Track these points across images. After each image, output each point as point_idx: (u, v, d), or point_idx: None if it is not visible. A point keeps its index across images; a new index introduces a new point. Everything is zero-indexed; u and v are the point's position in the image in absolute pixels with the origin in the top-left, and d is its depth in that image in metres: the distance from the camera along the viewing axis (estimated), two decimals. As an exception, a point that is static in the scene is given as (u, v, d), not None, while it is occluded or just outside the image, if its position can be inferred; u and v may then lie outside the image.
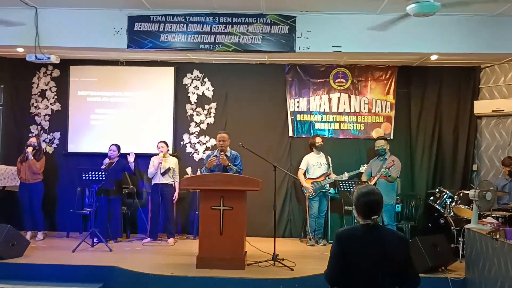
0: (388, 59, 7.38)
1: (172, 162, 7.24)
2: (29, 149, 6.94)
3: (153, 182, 7.19)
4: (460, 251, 5.84)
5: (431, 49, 6.37)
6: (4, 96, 7.82)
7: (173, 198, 7.20)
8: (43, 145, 7.72)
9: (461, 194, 6.44)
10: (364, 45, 6.24)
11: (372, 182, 6.51)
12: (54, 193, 7.77)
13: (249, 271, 5.38)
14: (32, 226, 7.09)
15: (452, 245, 5.93)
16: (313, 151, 7.28)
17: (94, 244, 6.45)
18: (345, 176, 6.99)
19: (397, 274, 2.69)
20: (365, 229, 2.73)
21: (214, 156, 6.13)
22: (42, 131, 7.92)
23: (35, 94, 7.96)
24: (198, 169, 7.57)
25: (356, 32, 6.20)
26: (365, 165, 7.08)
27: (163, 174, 7.07)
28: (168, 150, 7.32)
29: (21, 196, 7.10)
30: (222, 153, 6.05)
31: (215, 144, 7.63)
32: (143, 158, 7.65)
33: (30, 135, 7.82)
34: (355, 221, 2.91)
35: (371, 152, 7.44)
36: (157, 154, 7.17)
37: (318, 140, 7.23)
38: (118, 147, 7.21)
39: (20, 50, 6.70)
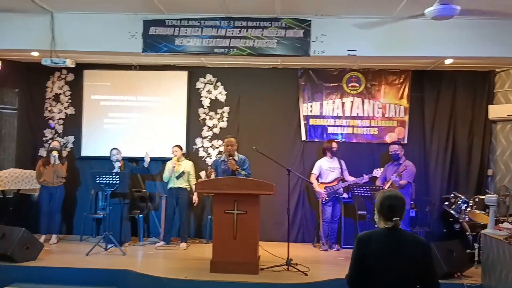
0: (402, 63, 7.35)
1: (187, 166, 7.24)
2: (55, 153, 6.99)
3: (168, 186, 7.20)
4: (476, 257, 5.77)
5: (446, 53, 6.30)
6: (18, 100, 7.90)
7: (193, 202, 7.21)
8: (58, 149, 7.79)
9: (476, 199, 6.38)
10: (379, 49, 6.19)
11: (386, 186, 6.47)
12: (70, 197, 7.79)
13: (263, 276, 5.36)
14: (48, 229, 7.12)
15: (468, 251, 5.86)
16: (326, 156, 7.24)
17: (108, 248, 6.46)
18: (366, 178, 6.93)
19: (417, 278, 2.67)
20: (385, 232, 2.74)
21: (222, 161, 6.14)
22: (56, 135, 7.97)
23: (49, 98, 8.03)
24: (212, 173, 7.56)
25: (371, 36, 6.16)
26: (379, 169, 7.03)
27: (177, 177, 7.08)
28: (183, 154, 7.32)
29: (42, 199, 7.13)
30: (231, 158, 6.05)
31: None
32: (156, 162, 7.68)
33: (44, 138, 7.89)
34: (376, 225, 2.89)
35: (385, 157, 7.39)
36: (171, 159, 7.18)
37: (335, 145, 7.18)
38: (119, 150, 7.19)
39: (35, 54, 6.75)
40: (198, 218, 7.81)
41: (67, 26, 6.29)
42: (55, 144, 7.21)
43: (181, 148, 7.28)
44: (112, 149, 7.14)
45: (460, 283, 5.18)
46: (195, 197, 7.22)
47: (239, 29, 6.20)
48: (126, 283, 5.43)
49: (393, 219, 2.70)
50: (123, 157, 7.23)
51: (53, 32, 6.22)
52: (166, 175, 7.18)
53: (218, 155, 7.72)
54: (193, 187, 7.15)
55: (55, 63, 6.11)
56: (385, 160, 7.37)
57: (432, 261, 2.75)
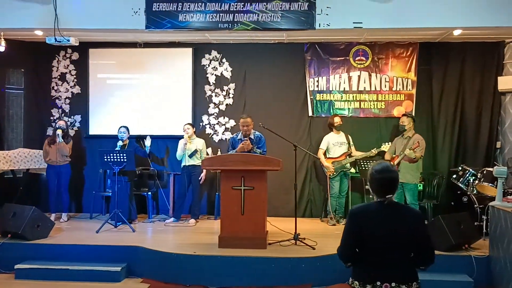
0: (410, 36, 7.23)
1: (199, 144, 7.24)
2: (59, 132, 7.03)
3: (182, 165, 7.22)
4: (484, 229, 5.77)
5: (455, 24, 6.21)
6: (25, 80, 7.92)
7: (199, 179, 7.24)
8: (65, 128, 7.82)
9: (484, 172, 6.34)
10: (386, 20, 6.10)
11: (396, 161, 6.43)
12: (77, 176, 7.86)
13: (271, 250, 5.40)
14: (57, 208, 7.20)
15: (476, 223, 5.86)
16: (332, 131, 7.22)
17: (118, 225, 6.54)
18: (373, 152, 6.90)
19: (412, 250, 2.67)
20: (379, 206, 2.70)
21: (238, 139, 6.12)
22: (63, 114, 7.99)
23: (55, 78, 8.02)
24: (219, 150, 7.59)
25: (377, 8, 6.05)
26: (387, 143, 6.99)
27: (190, 156, 7.10)
28: (195, 132, 7.31)
29: (49, 178, 7.19)
30: (246, 138, 6.01)
31: (235, 125, 7.65)
32: (163, 140, 7.74)
33: (52, 118, 7.92)
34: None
35: (393, 131, 7.36)
36: (183, 137, 7.18)
37: (337, 120, 7.16)
38: (128, 129, 7.24)
39: (39, 33, 6.73)
40: (206, 194, 7.86)
41: (69, 4, 6.26)
42: (60, 123, 7.24)
43: (192, 126, 7.28)
44: (120, 127, 7.16)
45: (468, 255, 5.18)
46: (202, 175, 7.25)
47: (243, 3, 6.12)
48: (136, 259, 5.49)
49: (386, 196, 2.67)
50: (130, 135, 7.25)
51: (55, 10, 6.19)
52: (178, 153, 7.19)
53: (227, 132, 7.74)
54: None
55: (59, 41, 6.10)
56: (393, 134, 7.35)
57: (426, 230, 2.74)
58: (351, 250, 2.72)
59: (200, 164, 7.12)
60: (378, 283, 2.62)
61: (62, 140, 7.03)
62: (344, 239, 2.76)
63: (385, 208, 2.68)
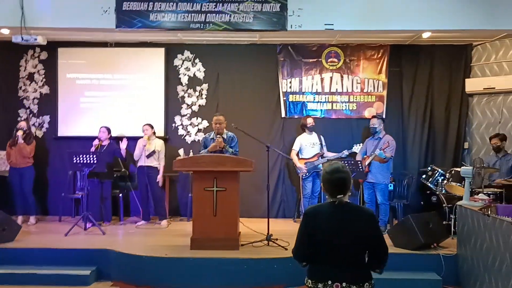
0: (381, 38, 7.33)
1: (158, 145, 7.15)
2: (19, 133, 6.85)
3: (138, 164, 7.13)
4: (452, 228, 5.88)
5: (424, 26, 6.33)
6: (-9, 80, 7.71)
7: (157, 181, 7.12)
8: (33, 129, 7.62)
9: (452, 172, 6.46)
10: (357, 23, 6.17)
11: (367, 162, 6.51)
12: (45, 177, 7.70)
13: (243, 251, 5.39)
14: (24, 210, 7.03)
15: (444, 222, 5.97)
16: (305, 132, 7.26)
17: (87, 227, 6.41)
18: (345, 153, 6.98)
19: (366, 249, 2.72)
20: (331, 206, 2.74)
21: (211, 138, 6.09)
22: (31, 115, 7.80)
23: (23, 77, 7.82)
24: (191, 151, 7.53)
25: (348, 10, 6.12)
26: (358, 144, 7.06)
27: (148, 156, 7.01)
28: (154, 133, 7.22)
29: (12, 180, 7.02)
30: (219, 136, 5.99)
31: (208, 126, 7.61)
32: (134, 141, 7.58)
33: (19, 119, 7.72)
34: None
35: (364, 132, 7.44)
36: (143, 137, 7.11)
37: (310, 121, 7.21)
38: (109, 129, 7.14)
39: (5, 31, 6.54)
40: (178, 196, 7.79)
41: (37, 1, 6.11)
42: (21, 124, 7.06)
43: (151, 127, 7.17)
44: (100, 127, 7.07)
45: (437, 254, 5.27)
46: (159, 177, 7.13)
47: (215, 3, 6.10)
48: (106, 262, 5.40)
49: (337, 196, 2.70)
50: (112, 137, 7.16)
51: (22, 8, 6.04)
52: (137, 153, 7.10)
53: (200, 133, 7.70)
54: (162, 166, 7.10)
55: (26, 40, 5.96)
56: (364, 135, 7.42)
57: (379, 230, 2.78)
58: (306, 250, 2.75)
59: (157, 165, 7.08)
60: (329, 282, 2.66)
61: (23, 141, 6.86)
62: (299, 239, 2.79)
63: (336, 208, 2.71)
